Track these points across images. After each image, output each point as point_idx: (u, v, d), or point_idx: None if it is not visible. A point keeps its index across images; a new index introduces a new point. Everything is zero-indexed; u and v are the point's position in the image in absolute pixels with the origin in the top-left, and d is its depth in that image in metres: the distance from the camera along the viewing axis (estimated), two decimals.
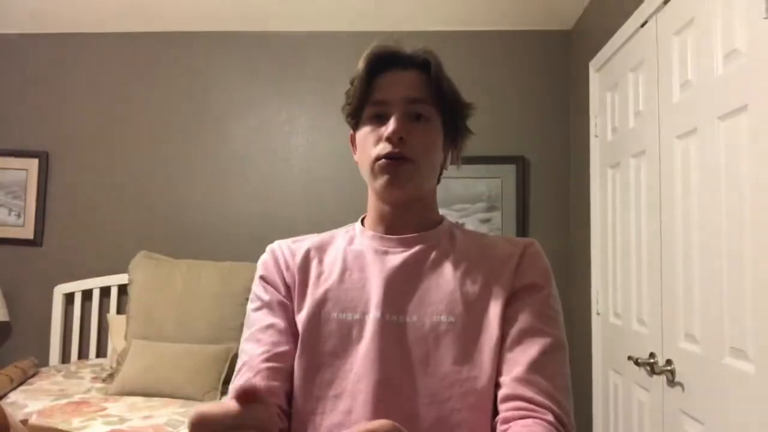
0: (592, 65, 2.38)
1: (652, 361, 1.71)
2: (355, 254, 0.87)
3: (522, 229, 2.71)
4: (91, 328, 2.78)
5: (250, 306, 0.88)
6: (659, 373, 1.66)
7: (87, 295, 2.80)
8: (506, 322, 0.80)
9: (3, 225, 2.88)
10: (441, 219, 0.92)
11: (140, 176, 2.87)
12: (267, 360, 0.80)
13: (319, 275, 0.86)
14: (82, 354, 2.79)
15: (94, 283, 2.78)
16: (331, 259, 0.88)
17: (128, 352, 2.33)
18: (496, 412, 0.78)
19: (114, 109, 2.90)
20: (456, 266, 0.84)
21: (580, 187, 2.58)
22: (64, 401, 2.09)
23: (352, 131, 0.91)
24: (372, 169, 0.84)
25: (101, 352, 2.78)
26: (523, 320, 0.80)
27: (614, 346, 2.11)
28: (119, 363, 2.37)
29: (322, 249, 0.90)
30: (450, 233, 0.90)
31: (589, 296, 2.39)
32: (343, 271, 0.85)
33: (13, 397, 2.14)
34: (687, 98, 1.55)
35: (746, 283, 1.26)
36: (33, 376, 2.43)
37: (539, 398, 0.74)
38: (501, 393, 0.77)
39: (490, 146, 2.71)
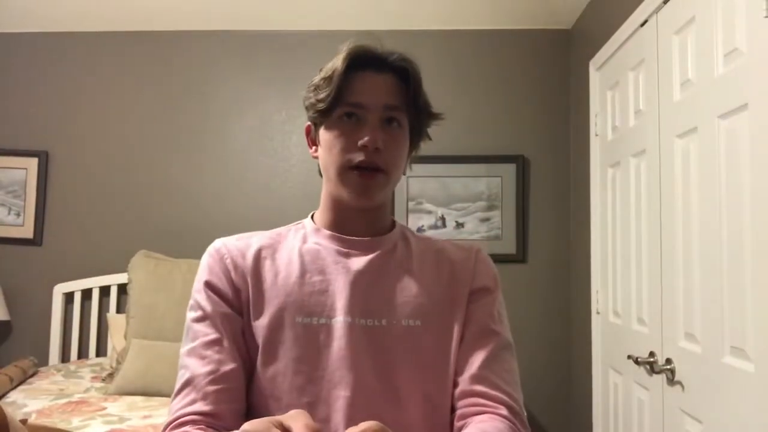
0: (593, 64, 2.38)
1: (651, 360, 1.71)
2: (313, 255, 0.85)
3: (522, 229, 2.70)
4: (90, 327, 2.77)
5: (191, 314, 0.81)
6: (659, 372, 1.66)
7: (87, 294, 2.80)
8: (464, 321, 0.84)
9: (2, 224, 2.87)
10: (393, 222, 0.93)
11: (140, 176, 2.87)
12: (213, 382, 0.76)
13: (276, 276, 0.82)
14: (82, 353, 2.79)
15: (94, 283, 2.77)
16: (286, 259, 0.84)
17: (128, 351, 2.33)
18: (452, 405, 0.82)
19: (114, 108, 2.90)
20: (417, 270, 0.86)
21: (580, 186, 2.58)
22: (64, 401, 2.08)
23: (310, 123, 0.88)
24: (340, 175, 0.81)
25: (101, 352, 2.78)
26: (477, 322, 0.84)
27: (614, 345, 2.11)
28: (119, 362, 2.37)
29: (273, 248, 0.86)
30: (404, 237, 0.91)
31: (588, 295, 2.39)
32: (302, 272, 0.83)
33: (12, 396, 2.14)
34: (687, 97, 1.55)
35: (746, 282, 1.26)
36: (32, 375, 2.42)
37: (492, 392, 0.79)
38: (458, 390, 0.81)
39: (489, 145, 2.71)
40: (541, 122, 2.77)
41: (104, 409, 2.02)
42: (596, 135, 2.35)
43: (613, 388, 2.11)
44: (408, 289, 0.84)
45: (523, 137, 2.76)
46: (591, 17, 2.47)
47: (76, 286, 2.77)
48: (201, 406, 0.74)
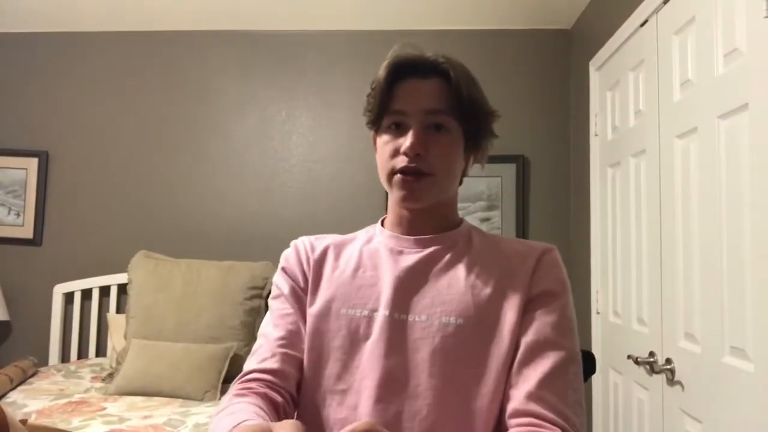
0: (593, 64, 2.38)
1: (651, 360, 1.71)
2: (371, 253, 0.89)
3: (522, 229, 2.71)
4: (90, 327, 2.77)
5: (271, 295, 0.92)
6: (659, 372, 1.66)
7: (87, 294, 2.80)
8: (521, 330, 0.79)
9: (2, 224, 2.87)
10: (460, 221, 0.92)
11: (140, 176, 2.87)
12: (284, 346, 0.84)
13: (334, 271, 0.89)
14: (82, 353, 2.79)
15: (94, 283, 2.77)
16: (348, 257, 0.90)
17: (128, 351, 2.33)
18: (500, 420, 0.78)
19: (114, 108, 2.90)
20: (470, 269, 0.84)
21: (580, 186, 2.58)
22: (64, 401, 2.09)
23: (373, 133, 0.92)
24: (390, 180, 0.85)
25: (101, 352, 2.78)
26: (537, 331, 0.79)
27: (614, 345, 2.11)
28: (119, 362, 2.37)
29: (340, 246, 0.93)
30: (468, 236, 0.90)
31: (589, 295, 2.39)
32: (357, 268, 0.88)
33: (12, 396, 2.14)
34: (687, 97, 1.55)
35: (746, 282, 1.26)
36: (32, 375, 2.42)
37: (550, 415, 0.73)
38: (511, 407, 0.76)
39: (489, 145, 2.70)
40: (541, 122, 2.77)
41: (104, 409, 2.02)
42: (596, 135, 2.35)
43: (613, 388, 2.11)
44: (456, 287, 0.82)
45: (523, 137, 2.76)
46: (591, 17, 2.47)
47: (76, 286, 2.77)
48: (269, 363, 0.82)
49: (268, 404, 0.77)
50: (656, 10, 1.75)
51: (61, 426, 1.81)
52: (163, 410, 2.02)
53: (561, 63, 2.78)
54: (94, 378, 2.41)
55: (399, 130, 0.84)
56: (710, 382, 1.40)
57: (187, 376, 2.21)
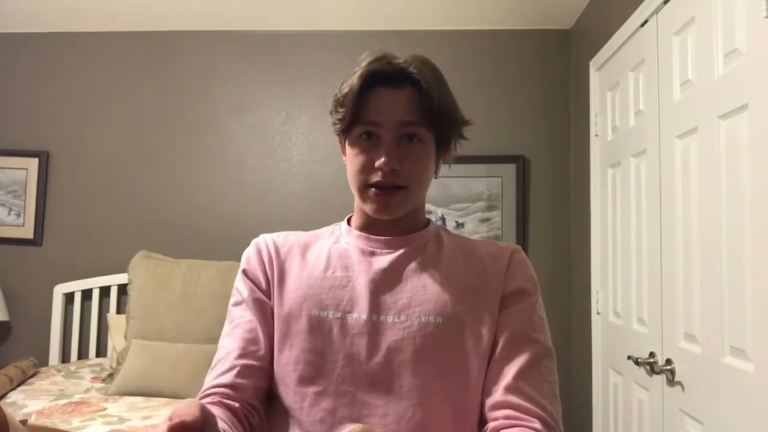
0: (593, 64, 2.38)
1: (651, 360, 1.71)
2: (340, 253, 0.87)
3: (522, 229, 2.70)
4: (90, 327, 2.77)
5: (231, 300, 0.89)
6: (659, 373, 1.66)
7: (87, 294, 2.80)
8: (497, 327, 0.81)
9: (2, 224, 2.87)
10: (428, 222, 0.92)
11: (140, 176, 2.87)
12: (241, 357, 0.82)
13: (301, 271, 0.86)
14: (82, 354, 2.79)
15: (94, 283, 2.77)
16: (315, 256, 0.88)
17: (128, 351, 2.33)
18: (481, 416, 0.79)
19: (114, 108, 2.90)
20: (444, 269, 0.85)
21: (580, 186, 2.58)
22: (64, 401, 2.09)
23: (340, 138, 0.89)
24: (362, 192, 0.83)
25: (101, 352, 2.78)
26: (513, 327, 0.81)
27: (614, 345, 2.11)
28: (119, 363, 2.37)
29: (306, 246, 0.90)
30: (437, 236, 0.90)
31: (589, 296, 2.39)
32: (326, 268, 0.86)
33: (12, 397, 2.14)
34: (687, 97, 1.55)
35: (746, 282, 1.26)
36: (32, 376, 2.42)
37: (527, 405, 0.75)
38: (490, 400, 0.78)
39: (490, 145, 2.71)
40: (541, 122, 2.76)
41: (104, 409, 2.02)
42: (596, 135, 2.35)
43: (613, 388, 2.11)
44: (431, 286, 0.82)
45: (523, 137, 2.76)
46: (591, 17, 2.47)
47: (76, 286, 2.77)
48: (226, 379, 0.80)
49: (224, 409, 0.76)
50: (656, 11, 1.75)
51: (61, 426, 1.81)
52: (164, 411, 2.02)
53: (561, 63, 2.78)
54: (94, 378, 2.41)
55: (370, 141, 0.81)
56: (710, 383, 1.40)
57: (187, 376, 2.21)
